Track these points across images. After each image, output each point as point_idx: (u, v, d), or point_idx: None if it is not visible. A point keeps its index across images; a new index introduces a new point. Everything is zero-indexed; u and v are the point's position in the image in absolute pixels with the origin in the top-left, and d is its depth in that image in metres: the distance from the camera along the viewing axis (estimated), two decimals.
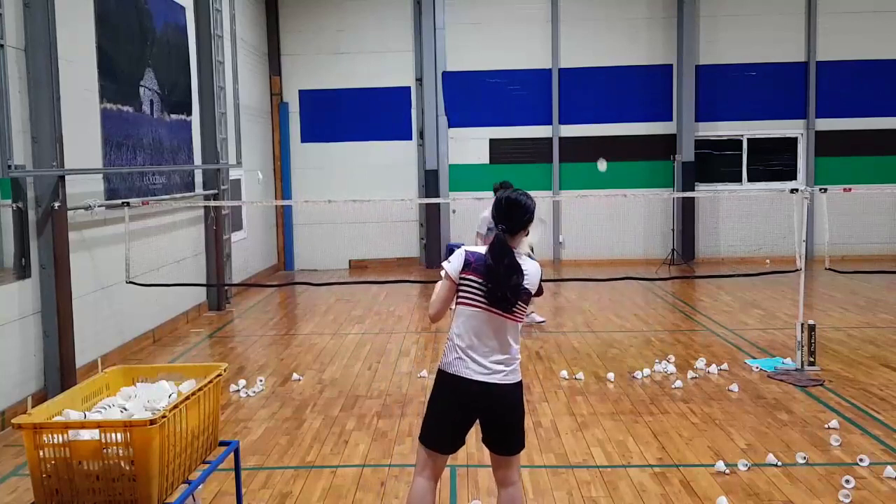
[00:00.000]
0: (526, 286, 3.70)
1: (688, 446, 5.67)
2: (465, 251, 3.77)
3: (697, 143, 15.65)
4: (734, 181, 16.01)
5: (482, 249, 3.74)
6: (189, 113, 10.79)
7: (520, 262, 3.69)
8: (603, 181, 15.57)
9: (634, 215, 15.59)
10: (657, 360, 7.91)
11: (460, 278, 3.72)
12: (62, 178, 7.05)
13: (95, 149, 8.12)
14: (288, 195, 15.77)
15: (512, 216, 3.74)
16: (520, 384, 3.80)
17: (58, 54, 6.94)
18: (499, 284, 3.62)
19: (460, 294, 3.74)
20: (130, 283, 8.45)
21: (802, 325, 7.58)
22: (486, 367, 3.69)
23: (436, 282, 3.95)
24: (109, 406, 3.79)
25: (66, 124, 7.10)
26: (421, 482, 3.78)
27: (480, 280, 3.67)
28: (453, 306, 3.81)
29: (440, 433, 3.79)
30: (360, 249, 15.55)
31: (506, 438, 3.79)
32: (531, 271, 3.74)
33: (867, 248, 15.18)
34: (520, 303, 3.70)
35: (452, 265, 3.74)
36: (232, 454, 4.25)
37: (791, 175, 15.94)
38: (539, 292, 3.84)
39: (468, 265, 3.71)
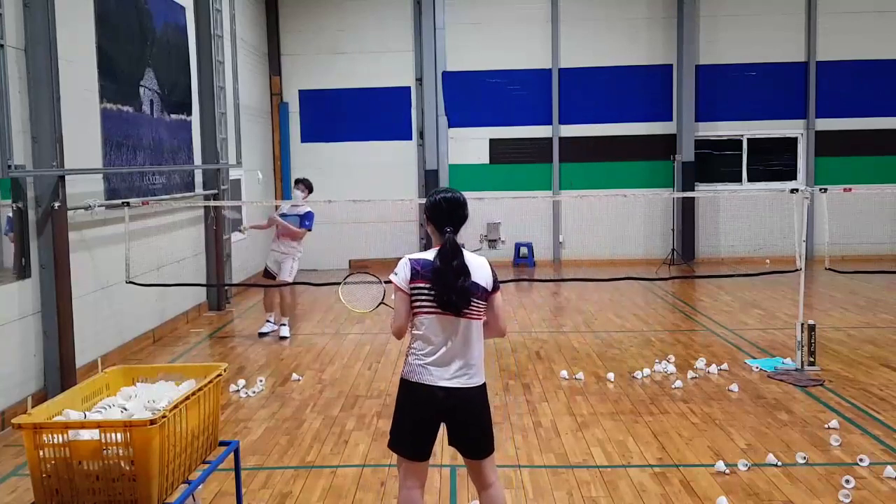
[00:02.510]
0: (476, 282, 3.67)
1: (688, 446, 5.67)
2: (410, 260, 3.72)
3: (697, 143, 15.65)
4: (734, 181, 16.01)
5: (428, 255, 3.71)
6: (189, 113, 10.79)
7: (467, 261, 3.67)
8: (603, 181, 15.57)
9: (634, 215, 15.60)
10: (657, 360, 7.91)
11: (410, 288, 3.68)
12: (62, 178, 7.05)
13: (95, 149, 8.12)
14: (288, 195, 15.75)
15: (457, 215, 3.75)
16: (483, 386, 3.78)
17: (58, 54, 6.94)
18: (446, 288, 3.60)
19: (413, 304, 3.69)
20: (130, 283, 8.45)
21: (802, 325, 7.58)
22: (448, 372, 3.66)
23: None
24: (109, 406, 3.79)
25: (66, 124, 7.09)
26: (407, 494, 3.76)
27: (429, 286, 3.64)
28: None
29: (409, 441, 3.75)
30: (360, 249, 15.55)
31: (474, 442, 3.77)
32: (479, 267, 3.71)
33: (867, 248, 15.18)
34: (474, 300, 3.66)
35: (399, 277, 3.69)
36: (232, 454, 4.25)
37: (791, 175, 15.94)
38: (496, 287, 3.77)
39: (416, 274, 3.67)
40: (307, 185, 9.70)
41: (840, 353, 8.22)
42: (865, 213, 15.00)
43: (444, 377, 3.66)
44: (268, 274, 9.67)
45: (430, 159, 15.69)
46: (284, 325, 9.66)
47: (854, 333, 9.13)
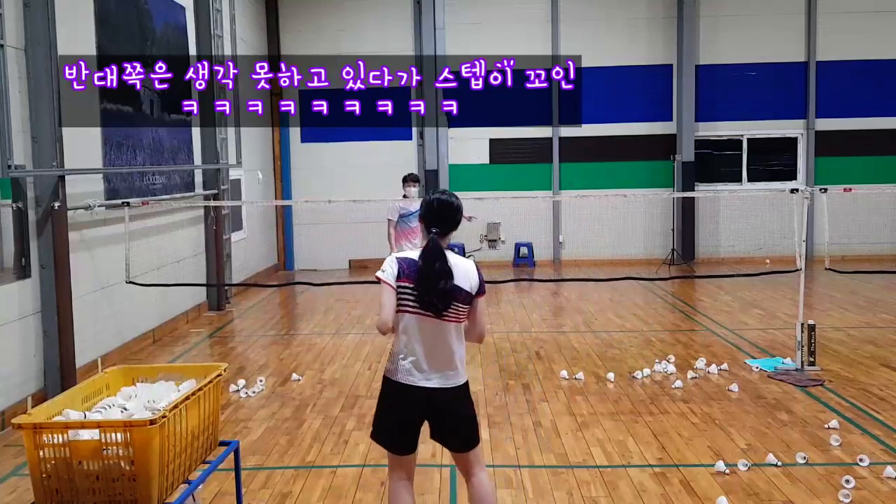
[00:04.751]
0: (459, 285, 3.66)
1: (688, 446, 5.67)
2: (397, 258, 3.75)
3: (697, 143, 15.64)
4: (734, 181, 16.01)
5: (414, 254, 3.73)
6: (189, 113, 10.76)
7: (451, 265, 3.67)
8: (603, 181, 15.56)
9: (634, 215, 15.58)
10: (657, 360, 7.91)
11: (397, 286, 3.69)
12: (62, 178, 7.05)
13: (95, 149, 8.12)
14: (288, 195, 15.76)
15: (445, 217, 3.76)
16: (465, 386, 3.79)
17: (58, 54, 6.94)
18: (427, 290, 3.62)
19: (397, 302, 3.70)
20: (130, 283, 8.45)
21: (802, 325, 7.58)
22: (429, 373, 3.69)
23: None
24: (109, 406, 3.79)
25: (66, 124, 7.09)
26: (394, 487, 3.82)
27: (412, 286, 3.66)
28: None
29: (390, 436, 3.81)
30: (360, 249, 15.53)
31: (456, 438, 3.81)
32: (465, 270, 3.71)
33: (867, 248, 15.17)
34: (455, 304, 3.67)
35: (387, 273, 3.70)
36: (232, 454, 4.25)
37: (791, 175, 15.93)
38: (481, 291, 3.76)
39: (401, 272, 3.69)
40: (418, 179, 10.13)
41: (840, 353, 8.22)
42: (865, 213, 15.00)
43: (426, 378, 3.69)
44: None
45: (430, 159, 15.68)
46: None
47: (854, 333, 9.13)
